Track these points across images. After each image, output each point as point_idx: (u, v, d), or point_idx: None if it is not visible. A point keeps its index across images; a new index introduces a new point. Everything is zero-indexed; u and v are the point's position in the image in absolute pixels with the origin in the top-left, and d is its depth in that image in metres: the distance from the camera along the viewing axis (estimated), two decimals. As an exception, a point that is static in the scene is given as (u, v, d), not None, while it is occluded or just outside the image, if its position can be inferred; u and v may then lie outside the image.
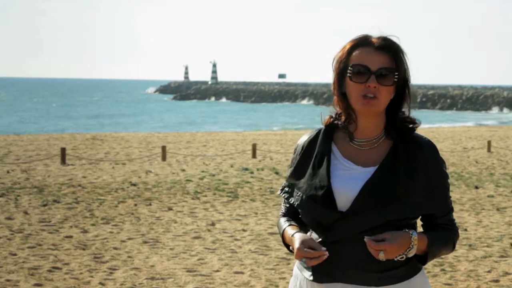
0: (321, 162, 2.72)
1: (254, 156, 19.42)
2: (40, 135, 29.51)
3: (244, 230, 9.70)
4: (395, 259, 2.62)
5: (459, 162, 18.75)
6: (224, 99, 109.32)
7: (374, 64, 2.64)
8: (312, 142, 2.80)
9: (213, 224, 10.12)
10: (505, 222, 10.47)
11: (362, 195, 2.63)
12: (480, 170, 16.88)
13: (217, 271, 7.60)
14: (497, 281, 7.31)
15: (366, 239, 2.57)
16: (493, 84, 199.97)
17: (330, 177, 2.68)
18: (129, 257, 8.10)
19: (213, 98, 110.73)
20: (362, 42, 2.70)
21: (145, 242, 8.85)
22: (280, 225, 2.86)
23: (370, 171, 2.66)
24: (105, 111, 76.20)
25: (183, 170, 16.24)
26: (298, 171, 2.79)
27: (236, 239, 9.15)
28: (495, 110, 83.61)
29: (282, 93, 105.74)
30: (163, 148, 18.92)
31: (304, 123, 50.48)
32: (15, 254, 8.11)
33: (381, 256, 2.56)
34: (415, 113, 2.80)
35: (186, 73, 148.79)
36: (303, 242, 2.65)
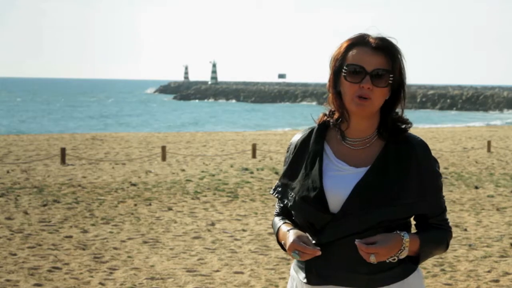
0: (314, 162, 2.71)
1: (254, 156, 19.42)
2: (40, 135, 29.51)
3: (244, 230, 9.70)
4: (387, 261, 2.61)
5: (459, 162, 18.75)
6: (223, 99, 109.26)
7: (370, 65, 2.63)
8: (305, 141, 2.79)
9: (213, 224, 10.12)
10: (505, 222, 10.47)
11: (353, 196, 2.62)
12: (480, 170, 16.88)
13: (217, 271, 7.60)
14: (497, 281, 7.31)
15: (357, 242, 2.56)
16: (493, 84, 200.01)
17: (322, 178, 2.67)
18: (129, 257, 8.10)
19: (212, 98, 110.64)
20: (360, 42, 2.68)
21: (145, 242, 8.85)
22: (274, 223, 2.85)
23: (361, 172, 2.65)
24: (110, 111, 76.05)
25: (183, 170, 16.24)
26: (291, 170, 2.78)
27: (236, 239, 9.15)
28: (495, 110, 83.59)
29: (282, 93, 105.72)
30: (163, 148, 18.92)
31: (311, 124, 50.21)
32: (15, 254, 8.11)
33: (372, 259, 2.55)
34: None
35: (186, 73, 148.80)
36: (298, 237, 2.64)
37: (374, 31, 2.71)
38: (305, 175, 2.71)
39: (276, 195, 2.84)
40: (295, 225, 2.78)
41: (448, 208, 11.35)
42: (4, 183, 13.56)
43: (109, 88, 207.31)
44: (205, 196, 12.58)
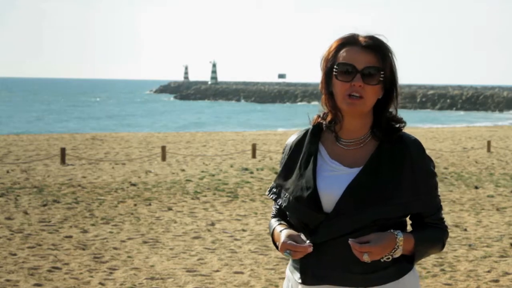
0: (308, 163, 2.72)
1: (254, 156, 19.42)
2: (40, 135, 29.51)
3: (244, 230, 9.70)
4: (381, 260, 2.60)
5: (459, 162, 18.75)
6: (224, 100, 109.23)
7: (360, 63, 2.63)
8: (299, 142, 2.80)
9: (213, 224, 10.13)
10: (505, 222, 10.47)
11: (346, 196, 2.62)
12: (480, 170, 16.88)
13: (217, 271, 7.60)
14: (497, 281, 7.31)
15: (350, 241, 2.55)
16: (493, 84, 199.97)
17: (316, 178, 2.68)
18: (129, 257, 8.10)
19: (212, 99, 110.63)
20: (349, 41, 2.69)
21: (145, 242, 8.85)
22: (270, 225, 2.86)
23: (355, 171, 2.65)
24: (115, 111, 75.89)
25: (183, 170, 16.24)
26: (285, 171, 2.79)
27: (236, 239, 9.15)
28: (495, 110, 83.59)
29: (282, 93, 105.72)
30: (163, 148, 18.92)
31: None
32: (15, 254, 8.11)
33: (366, 258, 2.55)
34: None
35: (186, 73, 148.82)
36: (289, 236, 2.65)
37: (362, 31, 2.72)
38: (299, 176, 2.72)
39: (272, 197, 2.84)
40: (291, 226, 2.78)
41: (448, 208, 11.38)
42: (4, 183, 13.56)
43: (110, 88, 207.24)
44: (205, 196, 12.58)
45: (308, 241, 2.66)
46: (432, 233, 2.69)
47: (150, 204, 11.59)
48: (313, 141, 2.76)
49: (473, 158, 19.92)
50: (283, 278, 7.22)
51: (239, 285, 7.09)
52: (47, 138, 26.25)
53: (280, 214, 2.86)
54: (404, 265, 2.68)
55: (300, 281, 2.71)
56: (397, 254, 2.61)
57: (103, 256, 8.09)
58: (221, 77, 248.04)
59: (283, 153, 2.86)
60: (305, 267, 2.69)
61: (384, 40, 2.69)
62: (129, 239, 9.02)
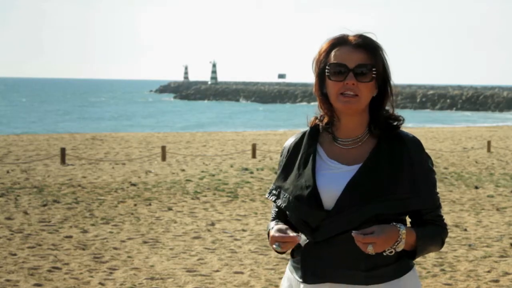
0: (306, 163, 2.73)
1: (254, 156, 19.42)
2: (40, 135, 29.52)
3: (244, 230, 9.70)
4: (384, 254, 2.60)
5: (459, 162, 18.75)
6: (224, 100, 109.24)
7: (352, 62, 2.65)
8: (297, 144, 2.81)
9: (213, 224, 10.13)
10: (505, 222, 10.47)
11: (346, 193, 2.63)
12: (480, 170, 16.88)
13: (217, 271, 7.60)
14: (497, 281, 7.31)
15: (353, 233, 2.54)
16: (493, 84, 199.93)
17: (315, 176, 2.69)
18: (129, 257, 8.10)
19: (212, 99, 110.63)
20: (340, 42, 2.71)
21: (145, 242, 8.86)
22: (268, 227, 2.86)
23: (354, 169, 2.67)
24: (122, 112, 75.85)
25: (183, 170, 16.24)
26: (284, 173, 2.80)
27: (236, 239, 9.15)
28: (495, 110, 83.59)
29: (282, 93, 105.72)
30: (163, 148, 18.92)
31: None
32: (15, 254, 8.11)
33: (370, 249, 2.53)
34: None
35: (186, 73, 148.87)
36: (278, 230, 2.66)
37: (364, 30, 2.74)
38: (298, 176, 2.73)
39: (272, 198, 2.85)
40: (291, 226, 2.78)
41: (448, 208, 11.38)
42: (4, 183, 13.56)
43: (111, 88, 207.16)
44: (205, 196, 12.58)
45: (308, 240, 2.67)
46: (432, 229, 2.69)
47: (150, 204, 11.59)
48: (311, 143, 2.77)
49: (473, 158, 19.92)
50: (283, 278, 7.24)
51: (239, 285, 7.10)
52: (47, 138, 26.25)
53: (279, 217, 2.86)
54: (405, 263, 2.69)
55: (301, 280, 2.71)
56: (400, 247, 2.60)
57: (103, 256, 8.09)
58: (221, 77, 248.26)
59: (281, 155, 2.87)
60: (306, 266, 2.69)
61: (374, 38, 2.72)
62: (129, 239, 9.02)
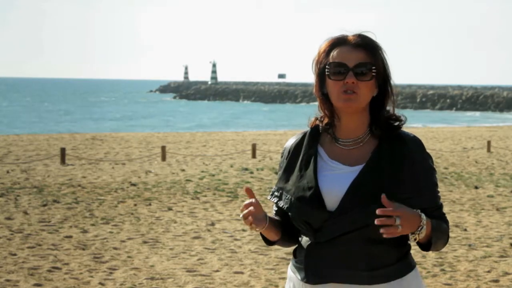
0: (308, 164, 2.73)
1: (254, 156, 19.42)
2: (40, 135, 29.52)
3: (244, 230, 9.70)
4: (409, 241, 2.60)
5: (459, 162, 18.75)
6: (224, 99, 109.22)
7: (352, 61, 2.66)
8: (298, 145, 2.81)
9: (213, 224, 10.13)
10: (505, 222, 10.47)
11: (349, 194, 2.63)
12: (480, 170, 16.88)
13: (217, 271, 7.60)
14: (496, 281, 7.31)
15: (379, 210, 2.48)
16: (493, 84, 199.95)
17: (317, 177, 2.69)
18: (129, 257, 8.10)
19: (212, 99, 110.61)
20: (339, 42, 2.71)
21: (145, 242, 8.85)
22: None
23: (356, 170, 2.67)
24: (126, 111, 75.79)
25: (183, 170, 16.24)
26: (286, 174, 2.80)
27: (236, 239, 9.15)
28: (495, 110, 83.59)
29: (282, 93, 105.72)
30: (163, 148, 18.92)
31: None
32: (15, 254, 8.11)
33: (398, 222, 2.48)
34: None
35: (186, 73, 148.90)
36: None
37: (363, 30, 2.75)
38: (300, 177, 2.73)
39: (274, 200, 2.86)
40: (291, 227, 2.79)
41: (448, 208, 11.38)
42: (4, 183, 13.56)
43: (111, 88, 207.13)
44: (205, 196, 12.58)
45: (310, 241, 2.68)
46: (440, 223, 2.69)
47: (150, 204, 11.59)
48: (312, 143, 2.77)
49: (473, 158, 19.92)
50: (283, 278, 7.23)
51: (239, 285, 7.10)
52: (47, 138, 26.26)
53: (278, 217, 2.87)
54: (406, 263, 2.70)
55: (304, 280, 2.71)
56: (422, 234, 2.57)
57: (103, 256, 8.09)
58: (221, 77, 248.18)
59: (281, 157, 2.87)
60: (309, 266, 2.69)
61: (373, 38, 2.72)
62: (129, 239, 9.02)
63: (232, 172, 15.78)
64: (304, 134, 2.82)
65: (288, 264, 7.82)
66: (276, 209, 2.88)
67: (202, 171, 15.94)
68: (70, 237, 9.08)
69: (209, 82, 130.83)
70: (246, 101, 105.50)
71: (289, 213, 2.76)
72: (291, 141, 2.86)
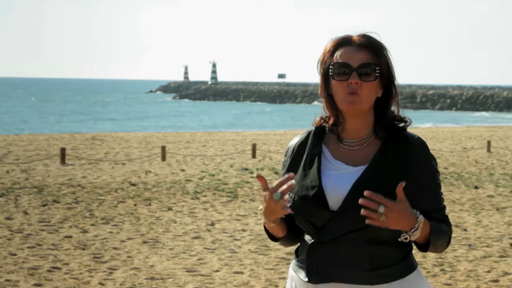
0: (312, 163, 2.73)
1: (254, 156, 19.42)
2: (40, 135, 29.51)
3: (243, 230, 9.70)
4: (399, 239, 2.58)
5: (459, 162, 18.76)
6: (224, 100, 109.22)
7: (355, 61, 2.66)
8: (302, 144, 2.81)
9: (212, 224, 10.13)
10: (505, 222, 10.47)
11: (352, 194, 2.62)
12: (479, 170, 16.89)
13: (217, 271, 7.60)
14: (496, 281, 7.32)
15: (367, 192, 2.45)
16: (493, 84, 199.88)
17: (321, 177, 2.69)
18: (128, 257, 8.10)
19: (212, 99, 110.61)
20: (343, 42, 2.71)
21: (144, 242, 8.86)
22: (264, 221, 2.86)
23: (360, 170, 2.66)
24: (133, 111, 75.66)
25: (183, 170, 16.24)
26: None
27: (236, 239, 9.15)
28: (495, 110, 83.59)
29: (282, 93, 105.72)
30: (163, 148, 18.92)
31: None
32: (14, 254, 8.11)
33: (381, 211, 2.44)
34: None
35: (186, 73, 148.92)
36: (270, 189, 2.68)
37: (363, 30, 2.74)
38: (303, 176, 2.73)
39: (276, 198, 2.85)
40: (291, 225, 2.78)
41: (448, 208, 11.34)
42: (4, 183, 13.57)
43: (111, 88, 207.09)
44: (205, 196, 12.58)
45: (313, 240, 2.67)
46: (441, 225, 2.67)
47: (150, 204, 11.59)
48: (316, 143, 2.77)
49: (473, 158, 19.93)
50: (283, 278, 7.23)
51: (239, 285, 7.10)
52: (47, 138, 26.26)
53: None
54: (409, 264, 2.69)
55: (306, 279, 2.71)
56: (415, 235, 2.56)
57: (103, 256, 8.09)
58: (221, 77, 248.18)
59: (285, 155, 2.87)
60: (311, 265, 2.69)
61: (378, 38, 2.72)
62: (129, 239, 9.02)
63: (232, 172, 15.78)
64: (309, 133, 2.82)
65: (288, 264, 7.83)
66: None
67: (202, 171, 15.95)
68: (70, 237, 9.08)
69: (209, 82, 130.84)
70: (247, 101, 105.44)
71: (292, 212, 2.76)
72: (295, 140, 2.86)
